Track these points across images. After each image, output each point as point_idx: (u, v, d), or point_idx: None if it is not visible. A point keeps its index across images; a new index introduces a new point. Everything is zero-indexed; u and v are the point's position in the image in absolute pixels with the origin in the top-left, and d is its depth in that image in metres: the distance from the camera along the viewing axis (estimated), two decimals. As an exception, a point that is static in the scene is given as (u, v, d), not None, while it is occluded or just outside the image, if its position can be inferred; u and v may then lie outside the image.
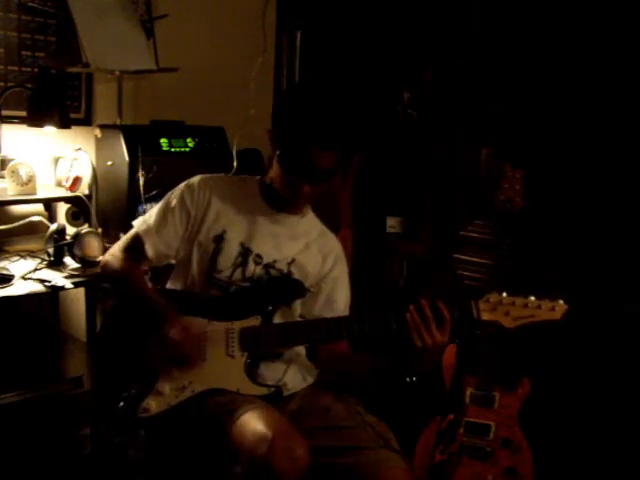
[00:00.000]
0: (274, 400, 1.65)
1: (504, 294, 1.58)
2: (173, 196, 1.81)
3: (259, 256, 1.76)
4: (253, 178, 1.88)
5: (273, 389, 1.67)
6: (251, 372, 1.66)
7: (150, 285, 1.89)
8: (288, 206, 1.79)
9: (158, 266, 1.86)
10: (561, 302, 1.56)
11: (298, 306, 1.81)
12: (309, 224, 1.87)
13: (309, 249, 1.83)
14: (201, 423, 1.60)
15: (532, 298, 1.57)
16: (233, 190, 1.82)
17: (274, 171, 1.74)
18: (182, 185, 1.82)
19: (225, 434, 1.51)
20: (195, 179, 1.82)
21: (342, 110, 1.70)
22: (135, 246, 1.81)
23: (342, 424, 1.65)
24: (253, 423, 1.48)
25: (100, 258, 1.86)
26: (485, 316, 1.59)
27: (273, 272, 1.77)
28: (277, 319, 1.74)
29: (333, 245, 1.89)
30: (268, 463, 1.40)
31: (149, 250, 1.78)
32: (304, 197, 1.72)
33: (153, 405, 1.62)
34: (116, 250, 1.84)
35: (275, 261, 1.77)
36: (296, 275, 1.79)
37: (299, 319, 1.82)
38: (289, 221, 1.82)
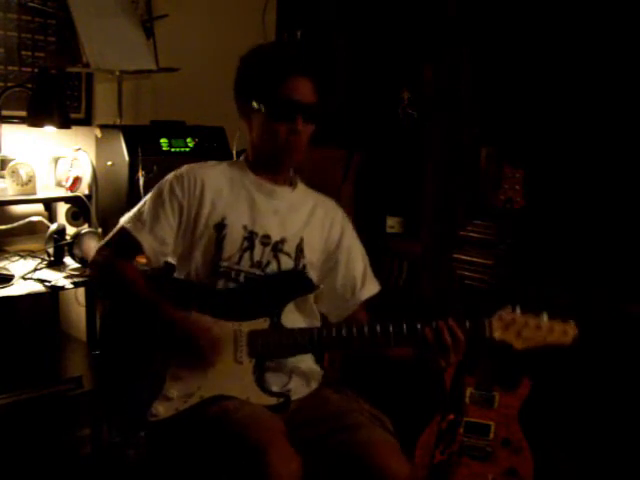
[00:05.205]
0: (281, 409, 1.63)
1: (517, 310, 1.57)
2: (164, 190, 1.74)
3: (266, 236, 1.73)
4: (238, 160, 1.86)
5: (282, 399, 1.64)
6: (260, 380, 1.64)
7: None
8: (281, 166, 1.76)
9: (155, 267, 1.78)
10: (572, 324, 1.56)
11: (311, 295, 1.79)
12: (303, 194, 1.84)
13: (312, 219, 1.80)
14: (202, 427, 1.58)
15: (545, 319, 1.56)
16: (223, 174, 1.78)
17: (257, 135, 1.73)
18: (170, 177, 1.76)
19: (223, 440, 1.51)
20: (183, 169, 1.77)
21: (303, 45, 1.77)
22: (127, 245, 1.73)
23: (339, 410, 1.65)
24: (249, 432, 1.47)
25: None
26: (497, 334, 1.58)
27: (283, 258, 1.73)
28: (290, 307, 1.72)
29: (334, 212, 1.86)
30: (263, 474, 1.40)
31: (146, 248, 1.70)
32: (296, 144, 1.69)
33: (161, 410, 1.59)
34: (106, 250, 1.76)
35: (283, 241, 1.74)
36: (307, 255, 1.76)
37: (314, 304, 1.81)
38: (285, 193, 1.79)
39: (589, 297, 2.23)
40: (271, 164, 1.76)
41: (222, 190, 1.75)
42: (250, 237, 1.72)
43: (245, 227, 1.72)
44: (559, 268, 2.35)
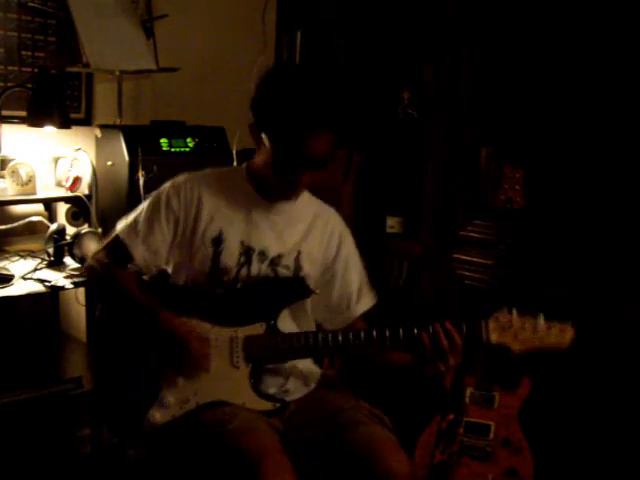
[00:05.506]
0: (278, 414, 1.63)
1: (514, 312, 1.56)
2: (160, 201, 1.71)
3: (263, 253, 1.71)
4: (240, 168, 1.80)
5: (278, 404, 1.64)
6: (256, 385, 1.64)
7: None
8: (282, 196, 1.72)
9: (148, 274, 1.76)
10: (569, 326, 1.55)
11: (308, 301, 1.78)
12: (304, 205, 1.79)
13: (311, 232, 1.77)
14: (198, 435, 1.57)
15: (542, 321, 1.55)
16: (222, 185, 1.74)
17: (264, 163, 1.66)
18: (167, 186, 1.73)
19: (218, 449, 1.51)
20: (180, 179, 1.73)
21: (335, 90, 1.59)
22: (120, 252, 1.71)
23: (337, 408, 1.65)
24: (244, 442, 1.47)
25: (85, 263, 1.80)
26: (494, 337, 1.57)
27: (281, 270, 1.72)
28: (285, 314, 1.72)
29: (334, 222, 1.83)
30: None
31: (137, 259, 1.70)
32: (301, 187, 1.67)
33: (158, 416, 1.59)
34: (101, 256, 1.76)
35: (280, 256, 1.72)
36: (306, 268, 1.74)
37: (309, 312, 1.79)
38: (285, 208, 1.74)
39: (589, 297, 2.24)
40: (272, 190, 1.71)
41: (220, 203, 1.71)
42: (247, 252, 1.71)
43: (242, 242, 1.71)
44: (559, 268, 2.35)
